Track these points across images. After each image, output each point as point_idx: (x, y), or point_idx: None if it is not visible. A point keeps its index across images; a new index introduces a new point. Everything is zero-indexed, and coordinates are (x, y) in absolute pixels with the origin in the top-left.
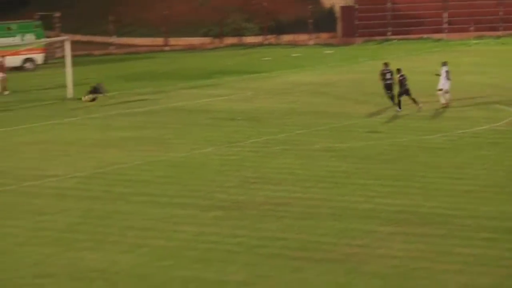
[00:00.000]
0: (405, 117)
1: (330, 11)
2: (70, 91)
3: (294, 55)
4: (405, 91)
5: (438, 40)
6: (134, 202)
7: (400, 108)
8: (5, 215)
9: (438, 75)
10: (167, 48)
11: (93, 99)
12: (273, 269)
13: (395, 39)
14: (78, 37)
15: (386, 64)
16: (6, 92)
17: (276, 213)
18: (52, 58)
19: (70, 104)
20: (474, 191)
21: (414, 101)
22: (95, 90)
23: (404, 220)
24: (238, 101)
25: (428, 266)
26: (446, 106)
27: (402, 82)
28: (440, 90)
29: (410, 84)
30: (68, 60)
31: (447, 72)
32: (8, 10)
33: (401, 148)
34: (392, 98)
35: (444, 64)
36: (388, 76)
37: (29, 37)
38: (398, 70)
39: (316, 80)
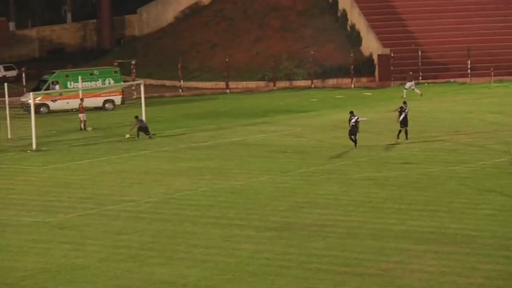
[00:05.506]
0: (434, 150)
1: (369, 58)
2: None
3: (337, 96)
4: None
5: (463, 83)
6: (199, 223)
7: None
8: (88, 235)
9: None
10: (227, 90)
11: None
12: (320, 283)
13: (425, 82)
14: (151, 81)
15: (351, 112)
16: (89, 129)
17: (322, 233)
18: (129, 99)
19: (144, 138)
20: (494, 214)
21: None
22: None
23: (433, 240)
24: (289, 136)
25: (454, 280)
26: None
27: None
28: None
29: (440, 121)
30: (143, 101)
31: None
32: (92, 59)
33: (430, 177)
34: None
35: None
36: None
37: (109, 81)
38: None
39: None
